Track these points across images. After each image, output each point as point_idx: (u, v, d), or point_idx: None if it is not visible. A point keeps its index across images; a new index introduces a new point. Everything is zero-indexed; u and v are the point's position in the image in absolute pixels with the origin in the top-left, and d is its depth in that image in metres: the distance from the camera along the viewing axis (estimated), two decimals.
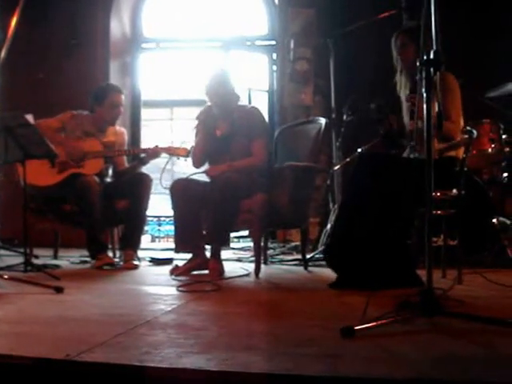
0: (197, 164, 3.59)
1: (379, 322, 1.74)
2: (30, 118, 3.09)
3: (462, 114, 3.00)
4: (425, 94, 1.74)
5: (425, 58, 1.77)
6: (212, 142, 3.53)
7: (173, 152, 3.73)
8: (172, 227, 6.42)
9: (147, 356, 1.44)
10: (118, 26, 5.80)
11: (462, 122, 3.00)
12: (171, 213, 3.51)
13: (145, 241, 5.20)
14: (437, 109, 1.77)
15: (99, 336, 1.65)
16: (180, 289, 2.70)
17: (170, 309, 2.19)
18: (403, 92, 3.15)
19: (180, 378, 1.31)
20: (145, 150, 3.85)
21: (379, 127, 3.19)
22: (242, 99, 3.62)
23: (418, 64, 1.79)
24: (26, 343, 1.61)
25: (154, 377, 1.32)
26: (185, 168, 4.17)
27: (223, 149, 3.48)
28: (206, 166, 3.58)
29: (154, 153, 3.78)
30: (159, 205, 6.29)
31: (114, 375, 1.34)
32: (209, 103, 3.57)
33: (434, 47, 1.78)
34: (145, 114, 6.20)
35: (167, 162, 3.72)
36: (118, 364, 1.37)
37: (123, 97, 3.98)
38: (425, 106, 1.77)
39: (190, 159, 3.77)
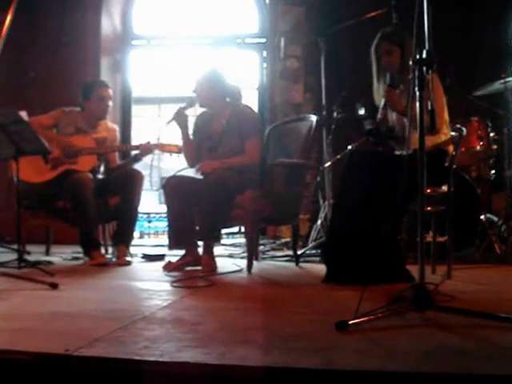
0: (191, 162, 3.63)
1: (372, 317, 1.77)
2: (23, 114, 3.09)
3: (445, 107, 3.03)
4: (418, 93, 1.77)
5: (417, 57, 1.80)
6: (205, 140, 3.57)
7: (165, 148, 3.76)
8: (162, 224, 6.45)
9: (146, 350, 1.46)
10: (108, 23, 5.79)
11: (446, 115, 3.03)
12: (161, 209, 3.54)
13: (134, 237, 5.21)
14: (430, 107, 1.81)
15: (97, 331, 1.67)
16: (174, 284, 2.72)
17: (165, 304, 2.21)
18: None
19: (180, 371, 1.34)
20: (137, 147, 3.87)
21: (365, 124, 3.23)
22: (237, 98, 3.63)
23: (411, 63, 1.82)
24: (24, 339, 1.61)
25: (155, 371, 1.34)
26: (172, 164, 4.19)
27: (214, 146, 3.52)
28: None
29: (147, 149, 3.80)
30: (149, 201, 6.30)
31: (115, 370, 1.36)
32: (201, 108, 3.64)
33: (427, 47, 1.81)
34: (133, 110, 6.20)
35: (152, 160, 3.76)
36: (118, 358, 1.39)
37: (110, 91, 3.99)
38: (417, 104, 1.80)
39: (182, 156, 3.81)
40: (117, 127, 4.19)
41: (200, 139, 3.63)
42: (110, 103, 3.99)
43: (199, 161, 3.55)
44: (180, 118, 3.58)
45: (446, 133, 3.01)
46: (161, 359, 1.38)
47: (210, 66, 3.70)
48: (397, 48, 3.02)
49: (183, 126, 3.60)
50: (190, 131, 3.68)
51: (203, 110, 3.72)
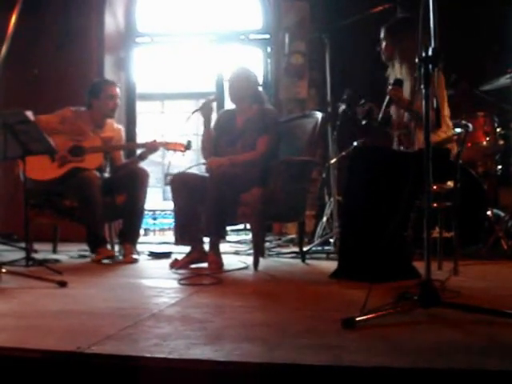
0: (207, 155, 3.66)
1: (379, 313, 1.78)
2: (29, 114, 3.10)
3: (446, 102, 3.03)
4: (423, 91, 1.78)
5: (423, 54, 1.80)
6: (224, 135, 3.62)
7: (171, 146, 3.78)
8: (167, 220, 6.47)
9: (157, 348, 1.48)
10: (112, 21, 5.79)
11: (446, 111, 3.03)
12: (166, 206, 3.55)
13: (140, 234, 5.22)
14: (435, 105, 1.81)
15: (107, 328, 1.68)
16: (181, 282, 2.74)
17: (173, 302, 2.23)
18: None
19: (190, 368, 1.35)
20: (143, 145, 3.89)
21: (356, 115, 3.25)
22: (263, 102, 3.68)
23: (416, 60, 1.82)
24: (35, 336, 1.63)
25: (165, 368, 1.35)
26: (177, 161, 4.22)
27: (233, 140, 3.56)
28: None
29: (153, 147, 3.82)
30: (154, 198, 6.31)
31: (126, 367, 1.38)
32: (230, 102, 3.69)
33: (433, 44, 1.81)
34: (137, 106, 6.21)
35: (169, 156, 3.78)
36: (129, 356, 1.40)
37: (118, 89, 4.02)
38: (423, 102, 1.80)
39: (187, 153, 3.82)
40: (122, 128, 4.20)
41: (219, 134, 3.67)
42: (119, 101, 4.01)
43: (215, 156, 3.57)
44: (206, 110, 3.63)
45: (446, 130, 3.00)
46: (171, 356, 1.40)
47: (247, 65, 3.76)
48: (387, 38, 3.10)
49: (207, 118, 3.65)
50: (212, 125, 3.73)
51: (225, 108, 3.76)
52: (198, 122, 3.75)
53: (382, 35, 3.18)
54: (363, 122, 3.31)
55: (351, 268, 2.73)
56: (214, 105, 3.73)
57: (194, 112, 3.63)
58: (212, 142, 3.66)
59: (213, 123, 3.72)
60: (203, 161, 3.70)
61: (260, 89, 3.73)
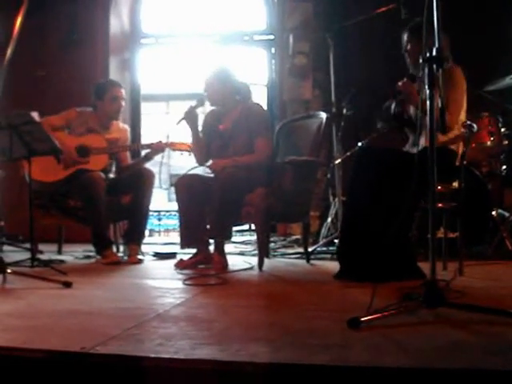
0: (200, 160, 3.65)
1: (385, 313, 1.78)
2: (35, 115, 3.12)
3: (463, 107, 3.02)
4: (428, 91, 1.77)
5: (427, 55, 1.80)
6: (215, 138, 3.59)
7: (176, 147, 3.78)
8: (171, 221, 6.48)
9: (162, 348, 1.48)
10: (117, 22, 5.81)
11: (462, 116, 3.03)
12: (171, 207, 3.55)
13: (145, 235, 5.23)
14: (440, 105, 1.80)
15: (112, 329, 1.69)
16: (186, 282, 2.74)
17: (178, 302, 2.23)
18: None
19: (195, 368, 1.35)
20: (149, 146, 3.89)
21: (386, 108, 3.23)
22: (247, 95, 3.63)
23: (420, 61, 1.82)
24: (40, 337, 1.64)
25: (170, 368, 1.36)
26: (181, 162, 4.22)
27: (225, 144, 3.54)
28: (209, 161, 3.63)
29: (158, 148, 3.82)
30: (159, 199, 6.32)
31: (131, 367, 1.38)
32: (212, 107, 3.65)
33: (437, 44, 1.81)
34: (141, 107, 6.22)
35: (162, 157, 3.78)
36: (134, 356, 1.41)
37: (123, 91, 4.02)
38: (428, 103, 1.80)
39: (193, 154, 3.83)
40: (128, 127, 4.21)
41: (209, 137, 3.65)
42: (123, 103, 4.01)
43: (208, 159, 3.56)
44: (190, 117, 3.59)
45: (456, 131, 3.00)
46: (176, 356, 1.40)
47: (219, 64, 3.70)
48: (415, 40, 3.02)
49: (193, 125, 3.62)
50: (200, 129, 3.70)
51: (212, 107, 3.73)
52: (200, 122, 3.71)
53: (405, 38, 3.14)
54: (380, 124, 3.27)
55: (355, 269, 2.72)
56: (199, 110, 3.64)
57: (178, 122, 3.59)
58: (203, 147, 3.64)
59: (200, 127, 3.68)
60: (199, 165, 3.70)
61: (240, 83, 3.60)
